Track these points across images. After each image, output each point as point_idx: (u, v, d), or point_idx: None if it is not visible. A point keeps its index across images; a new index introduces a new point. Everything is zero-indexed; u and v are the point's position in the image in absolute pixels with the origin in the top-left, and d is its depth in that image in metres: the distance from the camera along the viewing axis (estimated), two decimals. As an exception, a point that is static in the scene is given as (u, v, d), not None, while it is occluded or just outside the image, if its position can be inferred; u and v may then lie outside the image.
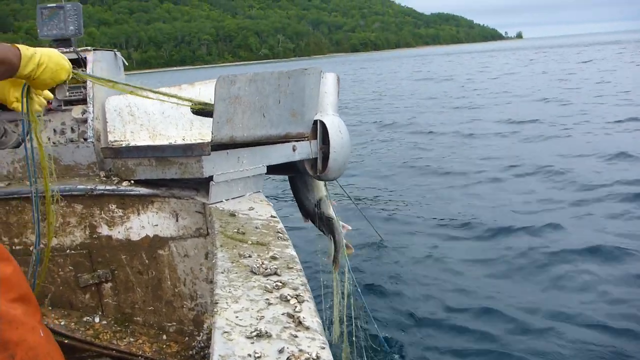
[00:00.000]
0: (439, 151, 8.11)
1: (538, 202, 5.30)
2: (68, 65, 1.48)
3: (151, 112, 2.67)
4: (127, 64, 3.18)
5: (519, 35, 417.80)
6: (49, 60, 1.38)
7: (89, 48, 2.73)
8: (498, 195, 5.66)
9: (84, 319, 2.35)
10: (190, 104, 2.11)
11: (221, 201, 2.04)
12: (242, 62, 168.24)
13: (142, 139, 2.64)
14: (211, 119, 2.62)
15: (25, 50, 1.33)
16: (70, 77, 1.53)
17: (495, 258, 4.03)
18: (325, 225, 2.54)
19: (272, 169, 2.22)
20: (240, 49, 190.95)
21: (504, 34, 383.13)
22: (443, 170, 6.87)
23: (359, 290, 2.94)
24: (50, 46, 2.64)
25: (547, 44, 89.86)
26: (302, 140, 2.27)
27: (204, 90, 2.74)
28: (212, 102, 1.80)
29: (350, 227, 2.63)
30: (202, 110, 2.02)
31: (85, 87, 2.74)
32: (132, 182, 2.31)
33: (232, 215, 1.88)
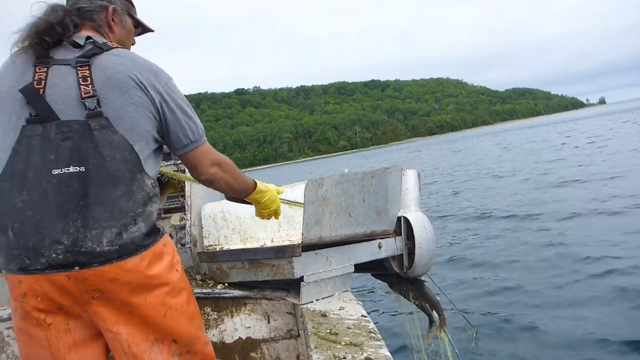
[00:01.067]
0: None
1: None
2: (277, 203, 1.88)
3: (242, 217, 2.82)
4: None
5: (602, 101, 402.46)
6: (269, 196, 1.83)
7: (178, 161, 2.99)
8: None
9: None
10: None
11: (312, 301, 2.06)
12: (322, 156, 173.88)
13: (234, 243, 2.78)
14: (297, 219, 2.72)
15: (260, 185, 1.81)
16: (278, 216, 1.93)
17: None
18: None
19: (359, 267, 2.23)
20: (319, 143, 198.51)
21: (585, 102, 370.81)
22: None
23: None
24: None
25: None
26: (387, 237, 2.29)
27: (290, 193, 2.87)
28: None
29: None
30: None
31: (182, 196, 2.97)
32: (226, 284, 2.41)
33: (324, 315, 1.89)
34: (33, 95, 1.35)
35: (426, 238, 2.31)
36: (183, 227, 2.87)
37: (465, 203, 10.71)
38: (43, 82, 1.37)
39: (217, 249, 2.71)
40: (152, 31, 1.79)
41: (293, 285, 2.21)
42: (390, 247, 2.30)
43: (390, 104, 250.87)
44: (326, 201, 1.93)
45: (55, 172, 1.30)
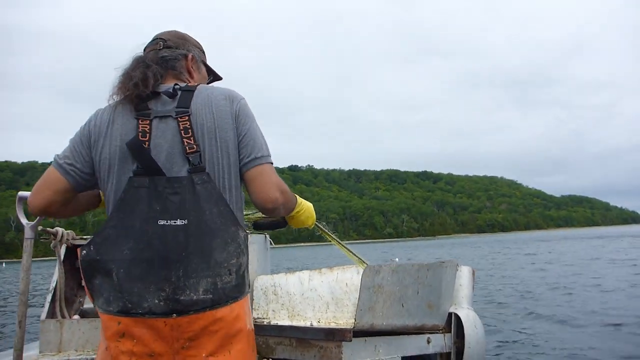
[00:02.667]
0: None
1: None
2: (314, 217, 1.89)
3: (292, 293, 2.87)
4: (273, 244, 3.54)
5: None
6: (306, 209, 1.82)
7: (247, 232, 3.11)
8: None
9: None
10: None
11: None
12: (367, 240, 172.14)
13: (281, 318, 2.81)
14: (344, 302, 2.73)
15: (299, 199, 1.80)
16: (313, 225, 1.96)
17: None
18: None
19: (405, 360, 2.21)
20: (365, 228, 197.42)
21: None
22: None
23: None
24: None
25: None
26: (437, 333, 2.26)
27: (341, 275, 2.91)
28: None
29: None
30: (263, 222, 2.03)
31: None
32: None
33: None
34: (138, 149, 1.43)
35: (476, 339, 2.27)
36: None
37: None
38: (148, 134, 1.45)
39: (265, 323, 2.74)
40: (222, 79, 1.86)
41: (337, 370, 2.19)
42: (438, 343, 2.27)
43: (441, 197, 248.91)
44: (381, 289, 1.97)
45: (161, 222, 1.37)
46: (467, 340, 2.26)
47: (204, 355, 1.40)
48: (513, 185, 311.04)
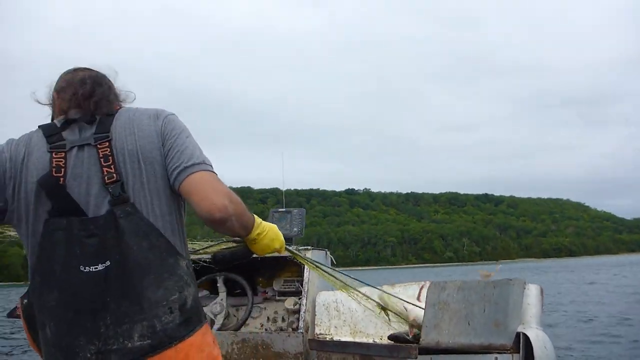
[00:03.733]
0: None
1: None
2: (282, 239, 1.61)
3: (354, 310, 2.88)
4: (335, 262, 3.58)
5: None
6: (269, 230, 1.54)
7: (308, 247, 3.17)
8: None
9: None
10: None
11: None
12: (425, 265, 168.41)
13: (343, 334, 2.83)
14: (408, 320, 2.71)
15: (257, 219, 1.53)
16: (283, 249, 1.66)
17: None
18: None
19: (472, 380, 2.16)
20: (424, 251, 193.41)
21: None
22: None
23: None
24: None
25: None
26: (505, 353, 2.20)
27: (402, 292, 2.91)
28: (237, 243, 1.60)
29: None
30: (224, 255, 1.63)
31: (299, 282, 3.12)
32: None
33: None
34: (52, 187, 1.29)
35: None
36: (296, 312, 2.98)
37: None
38: (62, 170, 1.31)
39: (327, 339, 2.77)
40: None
41: (402, 388, 2.18)
42: None
43: (503, 220, 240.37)
44: (447, 306, 1.96)
45: (82, 268, 1.25)
46: None
47: None
48: (580, 207, 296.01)
